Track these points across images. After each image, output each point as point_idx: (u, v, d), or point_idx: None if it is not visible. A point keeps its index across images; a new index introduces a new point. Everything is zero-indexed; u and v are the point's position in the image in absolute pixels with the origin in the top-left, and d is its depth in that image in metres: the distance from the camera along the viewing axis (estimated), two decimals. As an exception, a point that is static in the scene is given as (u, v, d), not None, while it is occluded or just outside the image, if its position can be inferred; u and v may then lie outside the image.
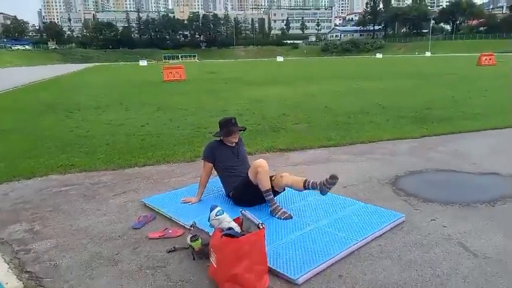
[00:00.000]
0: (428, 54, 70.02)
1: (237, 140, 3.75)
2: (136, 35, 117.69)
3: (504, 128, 6.66)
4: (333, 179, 3.17)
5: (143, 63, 65.09)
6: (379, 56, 70.18)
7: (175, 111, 9.65)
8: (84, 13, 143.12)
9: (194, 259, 2.69)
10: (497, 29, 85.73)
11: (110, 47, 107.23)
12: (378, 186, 4.10)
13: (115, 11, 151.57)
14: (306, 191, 3.41)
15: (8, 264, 2.71)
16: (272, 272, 2.46)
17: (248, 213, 2.57)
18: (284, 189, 3.59)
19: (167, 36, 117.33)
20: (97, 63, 75.03)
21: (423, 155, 5.19)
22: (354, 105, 9.71)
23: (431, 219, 3.22)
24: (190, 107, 10.44)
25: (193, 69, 32.20)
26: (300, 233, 2.97)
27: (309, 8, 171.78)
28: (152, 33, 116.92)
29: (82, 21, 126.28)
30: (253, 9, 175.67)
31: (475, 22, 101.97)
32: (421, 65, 32.95)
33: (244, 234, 2.38)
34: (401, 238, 2.93)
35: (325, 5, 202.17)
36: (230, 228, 2.41)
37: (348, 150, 5.59)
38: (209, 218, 2.56)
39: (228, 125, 3.66)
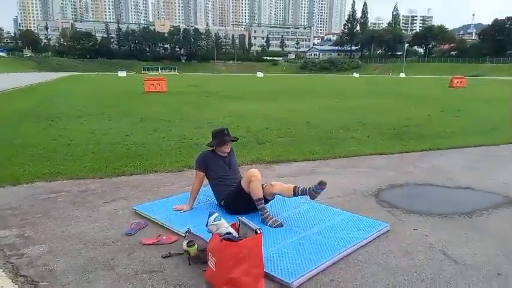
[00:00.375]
0: (402, 75, 72.48)
1: (229, 150, 3.86)
2: (115, 45, 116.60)
3: (475, 146, 7.03)
4: (321, 185, 3.35)
5: (122, 74, 64.50)
6: (356, 75, 72.10)
7: (159, 122, 9.66)
8: (62, 22, 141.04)
9: (190, 264, 2.75)
10: (467, 54, 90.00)
11: (88, 56, 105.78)
12: (363, 198, 4.28)
13: (93, 21, 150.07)
14: (295, 197, 3.54)
15: (2, 269, 2.69)
16: (267, 277, 2.56)
17: (245, 219, 2.68)
18: (274, 197, 3.72)
19: (147, 49, 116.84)
20: (74, 73, 73.68)
21: (403, 170, 5.43)
22: (335, 121, 10.00)
23: (414, 229, 3.40)
24: (174, 118, 10.48)
25: (174, 82, 32.13)
26: (291, 240, 3.08)
27: (288, 26, 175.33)
28: (132, 45, 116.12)
29: (60, 30, 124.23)
30: (234, 26, 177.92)
31: (446, 46, 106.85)
32: (397, 85, 34.09)
33: (241, 239, 2.47)
34: (386, 246, 3.09)
35: (304, 24, 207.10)
36: (228, 233, 2.50)
37: (332, 163, 5.78)
38: (207, 224, 2.65)
39: (221, 135, 3.77)
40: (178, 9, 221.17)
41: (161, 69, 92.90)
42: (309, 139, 7.54)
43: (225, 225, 2.61)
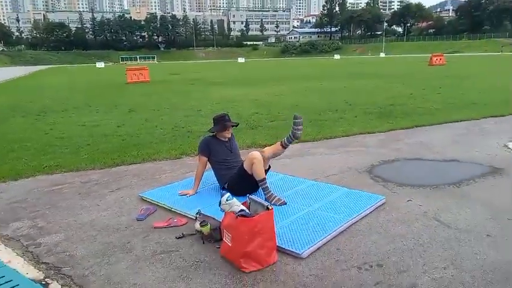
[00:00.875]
0: (382, 55, 73.18)
1: (230, 135, 4.00)
2: (91, 36, 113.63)
3: (458, 121, 7.34)
4: (296, 119, 3.69)
5: (100, 64, 63.19)
6: (337, 57, 72.25)
7: (149, 112, 9.68)
8: (33, 13, 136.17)
9: (204, 243, 2.91)
10: (445, 31, 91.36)
11: (63, 48, 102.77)
12: (357, 174, 4.50)
13: (67, 11, 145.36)
14: (286, 149, 3.82)
15: (23, 257, 2.80)
16: (278, 250, 2.74)
17: (254, 196, 2.85)
18: (269, 167, 3.90)
19: (124, 38, 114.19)
20: (50, 66, 71.72)
21: (392, 146, 5.68)
22: (322, 103, 10.20)
23: (408, 200, 3.64)
24: (163, 107, 10.49)
25: (155, 71, 31.75)
26: (296, 216, 3.27)
27: (267, 9, 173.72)
28: (108, 34, 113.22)
29: (32, 21, 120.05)
30: (212, 11, 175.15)
31: (424, 24, 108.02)
32: (378, 65, 34.52)
33: (254, 216, 2.64)
34: (384, 216, 3.31)
35: (283, 6, 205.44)
36: (242, 210, 2.66)
37: (325, 144, 5.99)
38: (220, 203, 2.80)
39: (222, 121, 3.90)
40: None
41: (140, 58, 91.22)
42: (299, 121, 7.70)
43: (237, 203, 2.76)
